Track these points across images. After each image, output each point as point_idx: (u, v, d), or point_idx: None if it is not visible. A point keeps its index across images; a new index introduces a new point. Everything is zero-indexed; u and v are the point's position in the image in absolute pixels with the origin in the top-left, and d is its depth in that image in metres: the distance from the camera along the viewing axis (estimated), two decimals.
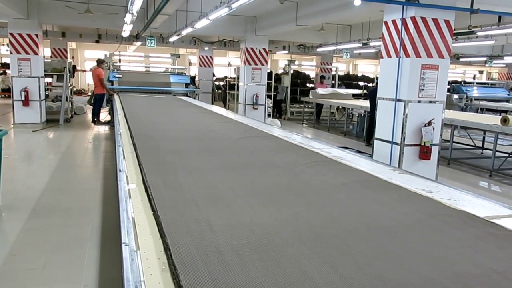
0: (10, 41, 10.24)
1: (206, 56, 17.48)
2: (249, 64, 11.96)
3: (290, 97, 15.59)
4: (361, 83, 21.26)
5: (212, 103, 14.82)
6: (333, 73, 17.48)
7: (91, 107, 11.70)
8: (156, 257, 1.66)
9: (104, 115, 11.98)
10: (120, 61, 14.24)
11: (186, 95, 11.30)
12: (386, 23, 5.75)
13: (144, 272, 1.52)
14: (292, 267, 1.61)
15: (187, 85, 11.63)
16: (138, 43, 14.37)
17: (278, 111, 15.38)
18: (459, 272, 1.63)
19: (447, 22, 5.49)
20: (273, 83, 14.57)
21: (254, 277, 1.51)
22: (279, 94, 15.17)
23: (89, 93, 15.65)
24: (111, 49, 14.71)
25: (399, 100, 5.53)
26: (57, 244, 3.85)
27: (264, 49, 12.01)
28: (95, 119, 11.34)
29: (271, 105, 13.73)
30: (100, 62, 11.28)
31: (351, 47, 12.74)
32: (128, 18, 8.18)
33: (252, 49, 11.90)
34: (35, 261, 3.48)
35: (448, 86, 12.41)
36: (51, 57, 15.23)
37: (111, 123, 10.58)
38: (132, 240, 1.79)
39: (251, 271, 1.56)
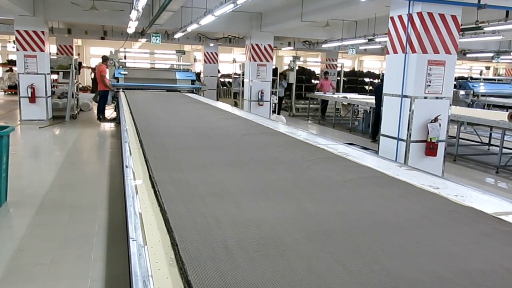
0: (16, 38, 10.27)
1: (211, 53, 17.48)
2: (254, 60, 11.94)
3: (295, 94, 15.55)
4: (366, 79, 21.22)
5: (217, 100, 14.82)
6: (339, 69, 17.41)
7: (97, 104, 11.70)
8: (164, 252, 1.67)
9: (110, 112, 11.99)
10: (125, 57, 14.27)
11: (192, 92, 11.28)
12: (392, 18, 5.72)
13: (151, 267, 1.53)
14: (299, 263, 1.61)
15: (193, 82, 11.60)
16: (143, 40, 14.38)
17: (278, 107, 15.00)
18: (466, 268, 1.63)
19: (454, 18, 5.45)
20: (277, 79, 14.51)
21: (262, 272, 1.52)
22: (279, 91, 14.89)
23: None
24: (116, 46, 14.73)
25: (405, 96, 5.51)
26: (64, 240, 3.88)
27: (269, 46, 11.98)
28: (101, 116, 11.31)
29: (276, 101, 13.69)
30: (105, 59, 11.29)
31: (356, 43, 12.66)
32: (133, 14, 8.19)
33: (257, 45, 11.87)
34: (43, 257, 3.51)
35: (455, 82, 12.36)
36: (57, 54, 15.27)
37: (116, 120, 10.54)
38: (140, 236, 1.80)
39: (258, 266, 1.56)
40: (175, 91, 11.06)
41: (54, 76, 12.37)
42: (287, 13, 9.90)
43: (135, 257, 1.61)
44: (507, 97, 14.59)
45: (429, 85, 5.47)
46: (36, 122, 10.43)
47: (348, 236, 1.90)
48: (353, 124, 12.26)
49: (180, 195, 2.37)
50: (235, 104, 14.28)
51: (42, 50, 10.43)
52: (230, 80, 19.32)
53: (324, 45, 14.64)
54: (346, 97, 12.79)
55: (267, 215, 2.13)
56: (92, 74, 19.08)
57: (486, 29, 8.35)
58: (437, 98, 5.56)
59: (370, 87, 20.10)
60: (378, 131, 6.54)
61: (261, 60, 11.98)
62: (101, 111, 11.33)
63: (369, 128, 10.77)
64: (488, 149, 9.19)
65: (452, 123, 6.69)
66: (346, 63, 21.12)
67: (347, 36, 12.69)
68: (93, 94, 13.94)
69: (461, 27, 5.68)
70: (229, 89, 19.26)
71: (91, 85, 19.07)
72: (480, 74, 23.12)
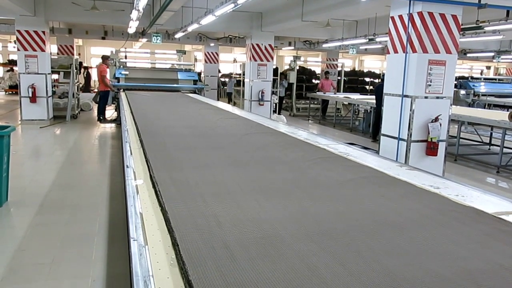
0: (17, 38, 10.28)
1: (212, 53, 17.48)
2: (255, 60, 11.94)
3: (295, 93, 15.55)
4: (367, 79, 21.21)
5: (218, 100, 14.82)
6: (339, 69, 17.41)
7: (97, 104, 11.51)
8: (165, 252, 1.67)
9: (111, 113, 11.90)
10: (126, 57, 14.26)
11: (194, 92, 11.16)
12: (392, 18, 5.72)
13: (152, 266, 1.54)
14: (299, 262, 1.61)
15: (195, 82, 11.49)
16: (144, 40, 14.39)
17: (279, 107, 14.75)
18: (467, 268, 1.63)
19: (454, 17, 5.44)
20: (278, 79, 14.50)
21: (262, 272, 1.52)
22: (279, 91, 14.81)
23: (95, 90, 15.69)
24: (117, 45, 14.75)
25: (406, 96, 5.51)
26: (65, 240, 3.88)
27: (270, 45, 11.98)
28: (101, 118, 11.11)
29: (277, 101, 13.69)
30: (105, 58, 11.19)
31: (357, 42, 12.66)
32: (134, 14, 8.19)
33: (257, 45, 11.86)
34: (44, 256, 3.51)
35: (455, 82, 12.36)
36: (57, 54, 15.29)
37: (117, 121, 10.37)
38: (140, 235, 1.80)
39: (258, 266, 1.56)
40: (177, 91, 10.98)
41: (55, 76, 12.37)
42: (288, 13, 9.90)
43: (136, 257, 1.61)
44: (507, 96, 14.59)
45: (430, 85, 5.46)
46: (37, 122, 10.43)
47: (349, 236, 1.90)
48: (354, 124, 12.25)
49: (180, 194, 2.37)
50: (234, 105, 14.25)
51: (43, 50, 10.44)
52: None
53: (324, 45, 14.64)
54: (348, 97, 12.75)
55: (267, 214, 2.13)
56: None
57: (486, 28, 8.35)
58: (437, 97, 5.55)
59: (371, 87, 20.09)
60: (378, 131, 6.53)
61: (261, 60, 11.98)
62: (101, 112, 11.14)
63: (370, 128, 10.76)
64: (489, 149, 9.19)
65: (452, 122, 6.69)
66: (346, 63, 21.12)
67: (348, 36, 12.69)
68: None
69: (461, 26, 5.67)
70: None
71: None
72: (481, 73, 23.12)
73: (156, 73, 11.90)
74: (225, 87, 20.36)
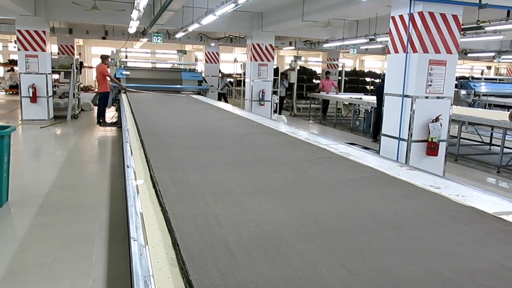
0: (17, 38, 10.29)
1: (213, 53, 17.48)
2: (256, 60, 11.94)
3: (296, 93, 15.55)
4: (367, 79, 21.22)
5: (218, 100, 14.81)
6: (340, 69, 17.41)
7: (96, 107, 11.30)
8: (165, 252, 1.67)
9: (112, 114, 11.80)
10: (126, 57, 14.24)
11: (199, 94, 10.88)
12: (393, 18, 5.72)
13: (153, 266, 1.54)
14: (299, 262, 1.61)
15: (200, 83, 11.21)
16: (145, 40, 14.39)
17: (280, 107, 14.64)
18: (467, 268, 1.63)
19: (455, 17, 5.44)
20: (279, 79, 14.50)
21: (262, 272, 1.52)
22: (280, 91, 14.74)
23: (95, 90, 15.67)
24: (117, 45, 14.77)
25: (406, 96, 5.51)
26: (65, 240, 3.88)
27: (271, 45, 11.98)
28: (101, 120, 10.86)
29: (277, 101, 13.69)
30: (104, 57, 11.01)
31: (357, 42, 12.66)
32: (134, 14, 8.19)
33: (258, 45, 11.87)
34: (44, 257, 3.51)
35: (456, 82, 12.34)
36: (58, 53, 15.29)
37: (118, 124, 10.12)
38: (141, 235, 1.80)
39: (259, 266, 1.56)
40: (181, 93, 10.85)
41: (55, 76, 12.36)
42: (288, 12, 9.90)
43: (136, 257, 1.61)
44: (508, 96, 14.59)
45: (430, 85, 5.46)
46: (37, 122, 10.43)
47: (349, 236, 1.90)
48: (354, 124, 12.25)
49: (181, 194, 2.37)
50: None
51: (43, 50, 10.44)
52: (231, 80, 19.26)
53: (325, 45, 14.64)
54: (351, 97, 12.74)
55: (268, 214, 2.13)
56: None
57: (487, 28, 8.34)
58: (438, 97, 5.55)
59: (371, 87, 20.09)
60: (379, 131, 6.53)
61: (262, 60, 11.98)
62: (101, 114, 10.88)
63: (370, 128, 10.76)
64: (489, 149, 9.18)
65: (453, 123, 6.68)
66: (347, 63, 21.11)
67: (348, 36, 12.68)
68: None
69: (462, 26, 5.67)
70: (229, 89, 19.18)
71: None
72: (481, 73, 23.10)
73: (159, 73, 11.77)
74: (227, 87, 20.30)
